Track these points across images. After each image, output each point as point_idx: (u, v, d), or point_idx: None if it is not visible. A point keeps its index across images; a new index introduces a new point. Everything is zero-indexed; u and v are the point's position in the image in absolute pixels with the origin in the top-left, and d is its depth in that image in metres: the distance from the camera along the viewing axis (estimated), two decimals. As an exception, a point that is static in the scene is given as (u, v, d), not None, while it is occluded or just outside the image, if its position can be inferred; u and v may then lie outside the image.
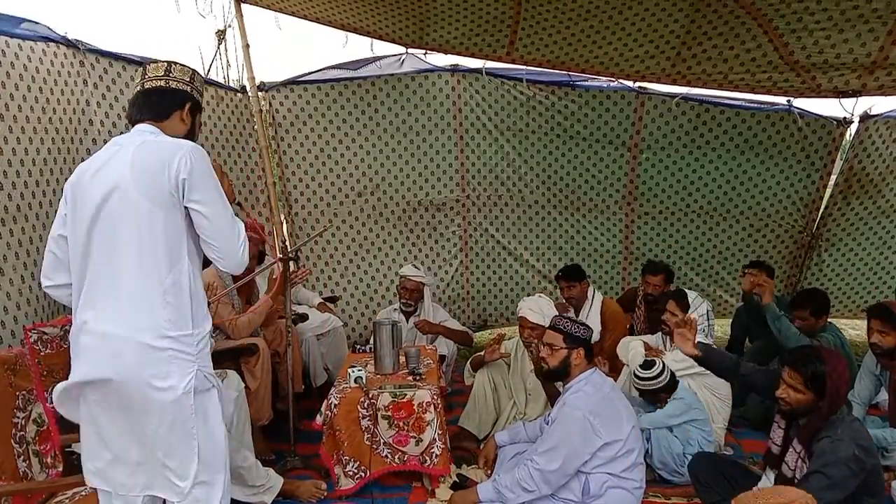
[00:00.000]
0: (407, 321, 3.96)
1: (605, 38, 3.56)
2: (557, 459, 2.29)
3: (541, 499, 2.35)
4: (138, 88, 1.79)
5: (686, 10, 3.24)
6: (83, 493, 2.09)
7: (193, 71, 1.84)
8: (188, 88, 1.80)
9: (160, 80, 1.76)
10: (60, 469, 2.18)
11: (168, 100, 1.77)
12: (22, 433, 2.07)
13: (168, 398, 1.59)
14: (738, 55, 3.45)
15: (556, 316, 2.66)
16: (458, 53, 4.16)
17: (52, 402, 2.50)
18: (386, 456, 2.81)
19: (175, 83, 1.78)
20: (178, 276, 1.63)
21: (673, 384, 2.91)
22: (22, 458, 2.04)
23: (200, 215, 1.64)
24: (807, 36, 3.16)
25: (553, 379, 2.58)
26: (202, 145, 4.27)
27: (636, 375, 2.94)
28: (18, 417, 2.07)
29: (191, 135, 1.82)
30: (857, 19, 2.96)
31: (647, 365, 2.95)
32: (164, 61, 1.80)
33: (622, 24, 3.41)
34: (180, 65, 1.81)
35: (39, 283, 2.75)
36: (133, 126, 1.77)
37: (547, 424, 2.54)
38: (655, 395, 2.92)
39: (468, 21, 3.67)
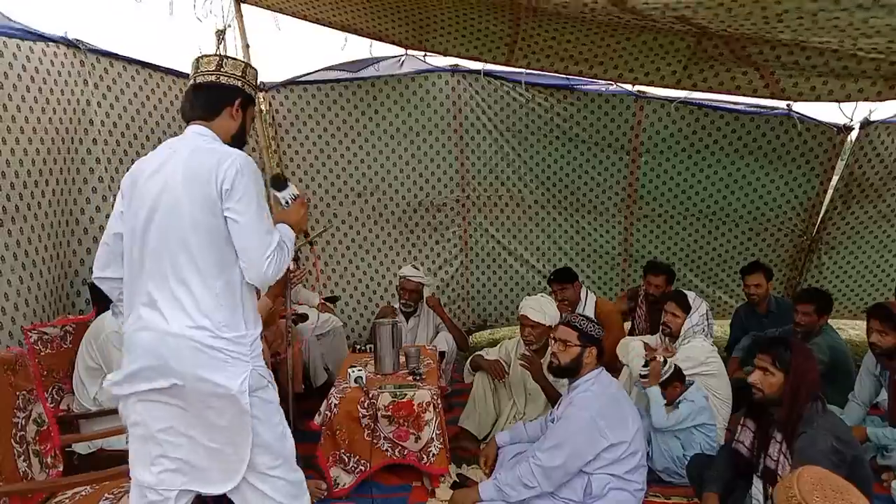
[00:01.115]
0: (407, 321, 3.96)
1: (602, 58, 3.56)
2: (560, 457, 2.28)
3: (542, 498, 2.35)
4: (191, 83, 1.80)
5: (688, 41, 3.24)
6: (83, 493, 2.09)
7: (246, 64, 1.83)
8: (239, 83, 1.80)
9: (211, 74, 1.76)
10: (60, 469, 2.18)
11: (217, 96, 1.77)
12: (22, 433, 2.06)
13: (224, 397, 1.62)
14: (732, 92, 3.50)
15: (572, 313, 2.66)
16: (458, 56, 4.17)
17: (52, 403, 2.50)
18: (386, 450, 2.82)
19: (226, 78, 1.77)
20: (230, 280, 1.67)
21: (679, 375, 2.89)
22: (22, 458, 2.03)
23: (233, 222, 1.65)
24: (804, 82, 3.20)
25: (561, 375, 2.57)
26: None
27: (641, 376, 2.94)
28: (18, 417, 2.06)
29: (242, 130, 1.84)
30: (860, 74, 3.00)
31: (646, 364, 2.96)
32: (215, 55, 1.81)
33: (619, 51, 3.43)
34: (232, 59, 1.81)
35: (38, 284, 2.78)
36: (187, 124, 1.80)
37: (552, 422, 2.54)
38: (665, 387, 2.88)
39: (467, 33, 3.67)
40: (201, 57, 1.80)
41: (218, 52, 1.82)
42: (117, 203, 1.78)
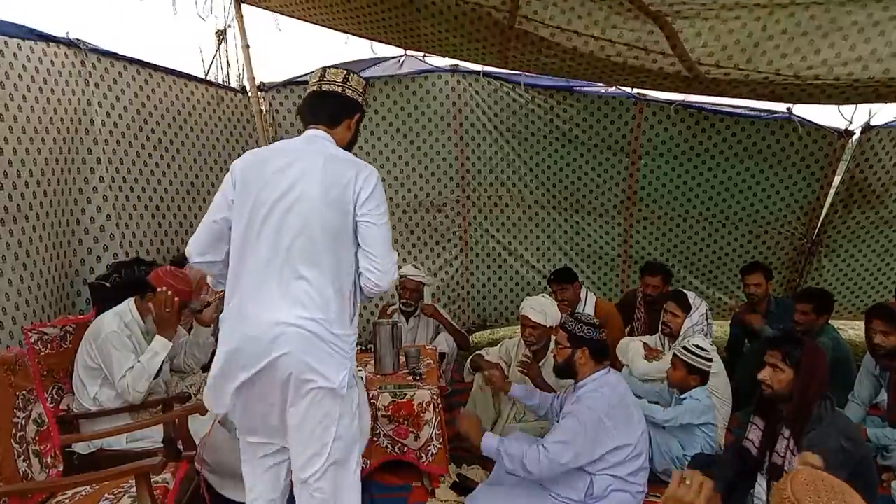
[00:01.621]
0: (407, 321, 3.96)
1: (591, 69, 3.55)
2: (565, 455, 2.27)
3: (542, 497, 2.35)
4: (314, 88, 1.91)
5: (678, 84, 3.23)
6: (83, 493, 2.09)
7: (366, 83, 1.98)
8: (360, 99, 1.94)
9: (338, 85, 1.89)
10: (60, 469, 2.18)
11: (343, 107, 1.90)
12: (22, 433, 2.06)
13: (324, 388, 1.70)
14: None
15: (567, 314, 2.67)
16: (455, 58, 4.16)
17: (52, 403, 2.49)
18: (386, 447, 2.83)
19: (351, 92, 1.91)
20: (344, 281, 1.78)
21: (704, 373, 2.88)
22: (22, 458, 2.03)
23: (370, 225, 1.78)
24: (806, 97, 3.21)
25: (562, 376, 2.59)
26: (203, 145, 4.27)
27: (687, 349, 2.87)
28: (18, 417, 2.06)
29: (352, 141, 1.98)
30: (857, 98, 3.05)
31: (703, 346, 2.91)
32: (343, 69, 1.92)
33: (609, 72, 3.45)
34: (357, 75, 1.94)
35: (38, 284, 2.78)
36: (305, 126, 1.91)
37: (560, 410, 2.54)
38: (687, 372, 2.87)
39: (458, 45, 3.66)
40: (328, 67, 1.92)
41: (345, 68, 1.95)
42: (226, 190, 1.82)
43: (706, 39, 2.64)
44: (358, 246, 1.81)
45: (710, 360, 2.86)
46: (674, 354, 2.93)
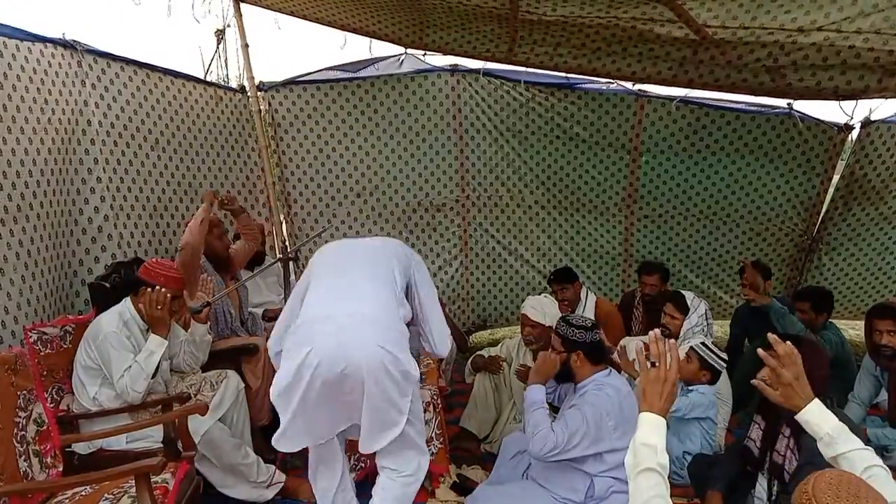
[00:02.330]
0: (407, 321, 3.96)
1: (599, 52, 3.55)
2: (560, 443, 2.27)
3: (542, 498, 2.35)
4: None
5: (684, 52, 3.21)
6: (83, 493, 2.09)
7: None
8: None
9: None
10: (60, 469, 2.18)
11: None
12: (22, 433, 2.06)
13: (400, 371, 1.93)
14: (735, 84, 3.48)
15: (560, 318, 2.67)
16: (458, 54, 4.15)
17: (52, 403, 2.49)
18: None
19: None
20: (402, 305, 2.12)
21: (712, 368, 2.89)
22: (22, 457, 2.04)
23: (421, 282, 2.28)
24: (809, 77, 3.18)
25: (563, 380, 2.58)
26: (202, 145, 4.25)
27: (706, 345, 2.91)
28: (20, 417, 2.07)
29: None
30: (860, 67, 3.00)
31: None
32: None
33: (613, 57, 3.44)
34: None
35: (39, 284, 2.78)
36: None
37: (566, 397, 2.55)
38: (702, 367, 2.89)
39: (466, 32, 3.66)
40: None
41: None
42: (303, 282, 2.20)
43: (710, 6, 2.65)
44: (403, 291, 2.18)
45: (725, 361, 2.87)
46: (690, 347, 2.93)
